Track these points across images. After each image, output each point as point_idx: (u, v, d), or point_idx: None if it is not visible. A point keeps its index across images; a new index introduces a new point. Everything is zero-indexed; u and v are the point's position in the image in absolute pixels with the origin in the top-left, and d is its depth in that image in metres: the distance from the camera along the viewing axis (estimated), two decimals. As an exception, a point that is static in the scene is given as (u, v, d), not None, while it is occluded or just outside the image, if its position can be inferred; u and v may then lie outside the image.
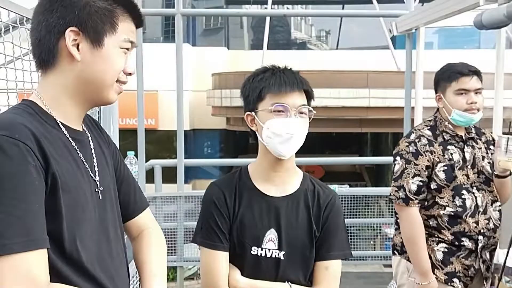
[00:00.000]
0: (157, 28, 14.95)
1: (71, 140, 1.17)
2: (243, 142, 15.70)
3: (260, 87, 1.53)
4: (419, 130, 2.43)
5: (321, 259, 1.57)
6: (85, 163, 1.19)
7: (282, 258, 1.54)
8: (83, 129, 1.25)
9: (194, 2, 15.30)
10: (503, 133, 2.67)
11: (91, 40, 1.13)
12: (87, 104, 1.21)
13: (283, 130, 1.49)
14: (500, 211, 2.37)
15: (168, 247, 4.10)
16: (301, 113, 1.52)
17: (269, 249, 1.54)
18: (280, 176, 1.59)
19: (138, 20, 1.21)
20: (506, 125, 4.03)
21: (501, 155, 2.26)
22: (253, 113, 1.56)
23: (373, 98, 10.84)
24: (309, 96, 1.56)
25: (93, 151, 1.24)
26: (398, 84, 8.46)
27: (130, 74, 1.21)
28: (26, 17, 1.90)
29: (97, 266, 1.14)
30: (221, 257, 1.54)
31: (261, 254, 1.54)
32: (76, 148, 1.17)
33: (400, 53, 11.04)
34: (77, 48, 1.13)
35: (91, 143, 1.25)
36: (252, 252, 1.55)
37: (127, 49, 1.19)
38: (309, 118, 1.55)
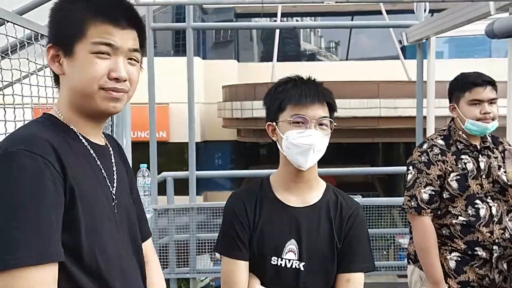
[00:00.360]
0: (168, 42, 15.06)
1: (91, 151, 1.18)
2: (254, 154, 15.69)
3: (281, 98, 1.55)
4: (432, 139, 2.42)
5: (343, 271, 1.56)
6: (105, 175, 1.20)
7: (302, 269, 1.53)
8: (106, 144, 1.27)
9: (204, 16, 15.42)
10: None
11: (64, 51, 1.14)
12: (90, 116, 1.19)
13: (301, 141, 1.49)
14: (516, 221, 2.34)
15: (181, 258, 4.11)
16: (321, 124, 1.52)
17: (289, 260, 1.54)
18: (301, 186, 1.60)
19: (114, 20, 1.13)
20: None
21: (510, 166, 2.24)
22: (274, 123, 1.57)
23: (384, 108, 10.81)
24: (332, 108, 1.56)
25: (114, 166, 1.25)
26: (409, 94, 8.43)
27: (116, 79, 1.14)
28: (41, 34, 1.94)
29: (116, 278, 1.14)
30: (241, 266, 1.55)
31: (281, 264, 1.54)
32: (97, 159, 1.19)
33: (410, 63, 11.02)
34: (60, 62, 1.15)
35: (112, 158, 1.26)
36: (272, 262, 1.55)
37: (104, 53, 1.13)
38: (331, 130, 1.55)
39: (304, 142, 1.49)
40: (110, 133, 2.51)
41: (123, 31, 1.15)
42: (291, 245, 1.54)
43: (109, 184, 1.20)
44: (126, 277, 1.18)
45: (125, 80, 1.16)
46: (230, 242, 1.57)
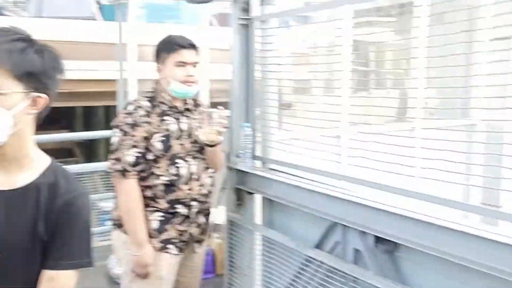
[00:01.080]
0: None
1: None
2: None
3: None
4: (138, 101, 2.40)
5: (46, 267, 1.31)
6: None
7: None
8: None
9: None
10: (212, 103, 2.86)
11: None
12: None
13: None
14: (212, 177, 2.54)
15: None
16: None
17: None
18: (5, 165, 1.30)
19: None
20: (212, 95, 4.39)
21: (206, 127, 2.41)
22: None
23: (82, 71, 10.42)
24: (15, 75, 1.24)
25: None
26: (108, 56, 8.29)
27: None
28: None
29: None
30: None
31: None
32: None
33: (108, 25, 10.84)
34: None
35: None
36: None
37: None
38: (34, 103, 1.29)
39: None
40: None
41: None
42: None
43: None
44: None
45: None
46: None
